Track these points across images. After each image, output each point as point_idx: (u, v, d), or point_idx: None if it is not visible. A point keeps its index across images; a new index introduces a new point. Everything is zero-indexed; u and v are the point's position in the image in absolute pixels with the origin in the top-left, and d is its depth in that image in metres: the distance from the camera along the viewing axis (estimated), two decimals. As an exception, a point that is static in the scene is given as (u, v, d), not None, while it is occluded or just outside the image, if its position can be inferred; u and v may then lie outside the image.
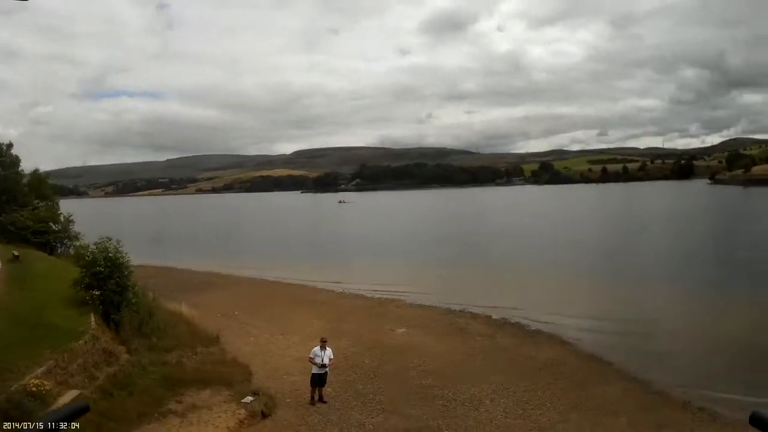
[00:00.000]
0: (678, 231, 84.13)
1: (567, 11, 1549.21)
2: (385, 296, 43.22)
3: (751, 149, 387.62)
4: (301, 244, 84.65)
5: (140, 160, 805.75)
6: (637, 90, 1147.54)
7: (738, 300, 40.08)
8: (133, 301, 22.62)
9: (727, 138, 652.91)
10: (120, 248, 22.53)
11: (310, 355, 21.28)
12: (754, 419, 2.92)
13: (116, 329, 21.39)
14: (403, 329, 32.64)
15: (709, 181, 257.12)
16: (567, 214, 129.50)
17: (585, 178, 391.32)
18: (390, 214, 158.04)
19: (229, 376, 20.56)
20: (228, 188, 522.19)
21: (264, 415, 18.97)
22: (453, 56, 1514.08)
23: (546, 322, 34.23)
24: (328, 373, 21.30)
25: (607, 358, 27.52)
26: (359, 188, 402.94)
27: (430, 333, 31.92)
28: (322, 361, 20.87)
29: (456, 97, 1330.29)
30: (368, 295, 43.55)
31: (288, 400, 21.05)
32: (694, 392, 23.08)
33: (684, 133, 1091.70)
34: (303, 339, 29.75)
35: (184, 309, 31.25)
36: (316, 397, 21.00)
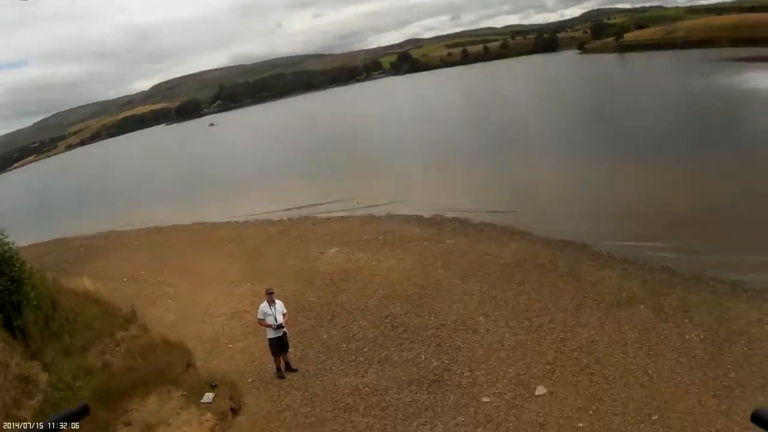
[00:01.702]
0: (566, 100, 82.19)
1: None
2: (294, 215, 39.20)
3: (615, 18, 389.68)
4: (187, 180, 76.46)
5: (10, 131, 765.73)
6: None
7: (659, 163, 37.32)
8: (32, 295, 17.87)
9: (588, 9, 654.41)
10: (5, 239, 17.60)
11: (259, 317, 16.63)
12: (756, 418, 2.66)
13: (23, 337, 16.72)
14: (334, 249, 28.60)
15: (578, 51, 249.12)
16: (441, 100, 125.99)
17: (445, 63, 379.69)
18: (260, 128, 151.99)
19: (168, 367, 15.96)
20: (96, 137, 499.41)
21: (234, 412, 14.68)
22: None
23: (486, 212, 31.10)
24: (287, 332, 16.98)
25: (577, 240, 24.42)
26: (222, 109, 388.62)
27: (365, 248, 28.02)
28: (276, 321, 16.31)
29: (302, 2, 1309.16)
30: (276, 218, 39.29)
31: (250, 380, 16.66)
32: (690, 262, 20.61)
33: (540, 9, 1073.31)
34: (228, 287, 25.62)
35: (88, 284, 26.49)
36: (283, 368, 16.67)
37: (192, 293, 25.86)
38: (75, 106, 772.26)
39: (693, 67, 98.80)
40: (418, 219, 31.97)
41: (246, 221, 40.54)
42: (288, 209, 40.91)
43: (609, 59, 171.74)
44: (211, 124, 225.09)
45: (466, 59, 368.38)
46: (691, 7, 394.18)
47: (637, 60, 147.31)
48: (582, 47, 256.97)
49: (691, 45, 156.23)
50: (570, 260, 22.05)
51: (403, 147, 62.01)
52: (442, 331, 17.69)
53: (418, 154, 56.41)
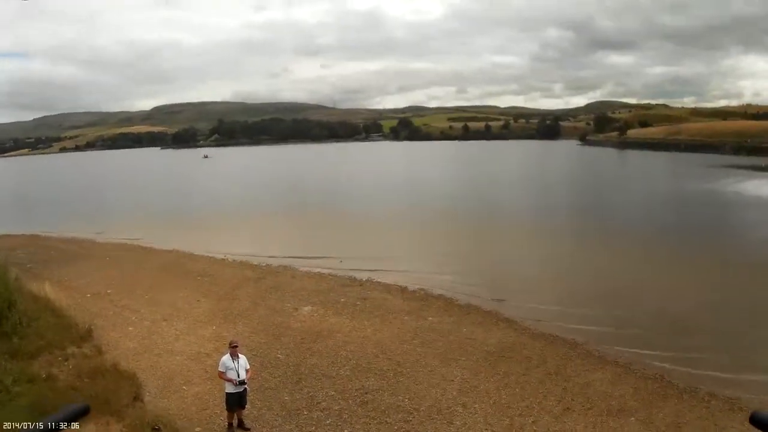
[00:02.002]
0: (564, 189, 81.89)
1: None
2: (274, 262, 37.76)
3: (619, 113, 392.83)
4: (173, 206, 75.28)
5: (9, 120, 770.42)
6: (496, 47, 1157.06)
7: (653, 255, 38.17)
8: (-12, 288, 16.60)
9: (593, 100, 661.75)
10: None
11: (220, 369, 14.97)
12: (755, 420, 2.64)
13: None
14: (309, 307, 27.07)
15: (579, 143, 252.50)
16: (441, 171, 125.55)
17: (445, 135, 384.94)
18: (254, 170, 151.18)
19: (114, 396, 14.57)
20: (90, 146, 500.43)
21: (171, 463, 13.20)
22: (310, 12, 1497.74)
23: (474, 294, 29.80)
24: (248, 388, 15.41)
25: (567, 336, 23.13)
26: (218, 144, 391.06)
27: (342, 311, 26.49)
28: (238, 376, 14.71)
29: (311, 51, 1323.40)
30: (255, 262, 37.83)
31: (198, 429, 15.17)
32: (685, 373, 19.64)
33: (547, 93, 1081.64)
34: (191, 326, 24.18)
35: (49, 291, 25.08)
36: (236, 424, 15.09)
37: (155, 324, 24.52)
38: (75, 111, 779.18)
39: (696, 171, 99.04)
40: (402, 290, 30.46)
41: (224, 258, 39.35)
42: (270, 256, 39.46)
43: (609, 153, 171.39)
44: (206, 156, 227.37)
45: (467, 135, 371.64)
46: (696, 109, 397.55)
47: (637, 158, 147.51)
48: (584, 138, 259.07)
49: (693, 148, 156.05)
50: (559, 357, 20.73)
51: (400, 213, 60.81)
52: (413, 416, 16.20)
53: (414, 222, 55.27)
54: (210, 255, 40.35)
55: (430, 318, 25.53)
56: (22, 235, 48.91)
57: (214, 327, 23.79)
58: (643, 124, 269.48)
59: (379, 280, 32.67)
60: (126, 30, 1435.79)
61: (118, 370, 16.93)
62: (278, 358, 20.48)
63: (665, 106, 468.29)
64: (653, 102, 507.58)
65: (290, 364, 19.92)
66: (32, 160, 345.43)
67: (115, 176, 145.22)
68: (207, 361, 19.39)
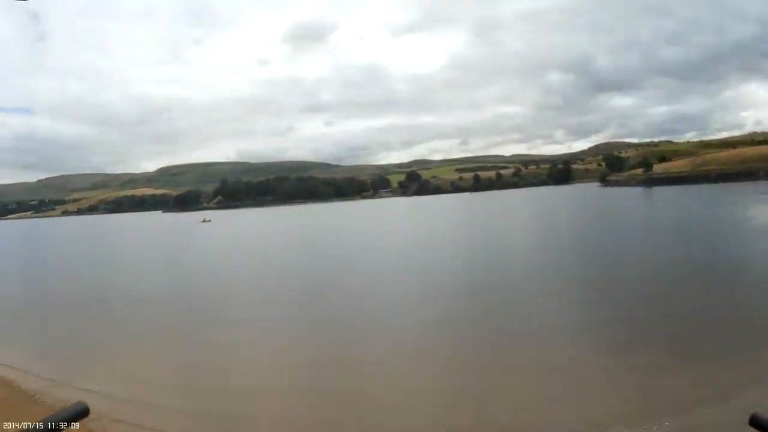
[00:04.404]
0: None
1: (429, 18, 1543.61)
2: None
3: (626, 152, 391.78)
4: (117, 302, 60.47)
5: (13, 181, 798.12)
6: (499, 97, 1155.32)
7: None
8: None
9: (596, 143, 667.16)
10: None
11: None
12: (754, 421, 2.60)
13: None
14: None
15: (599, 184, 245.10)
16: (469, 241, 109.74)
17: (456, 187, 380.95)
18: (251, 239, 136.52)
19: None
20: (93, 209, 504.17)
21: None
22: (313, 67, 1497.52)
23: None
24: None
25: None
26: (221, 206, 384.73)
27: None
28: None
29: (315, 108, 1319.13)
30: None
31: None
32: None
33: (549, 140, 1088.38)
34: None
35: None
36: None
37: None
38: (78, 173, 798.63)
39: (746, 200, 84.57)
40: None
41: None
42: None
43: (639, 194, 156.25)
44: (204, 220, 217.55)
45: (478, 185, 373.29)
46: (702, 141, 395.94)
47: (673, 194, 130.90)
48: (604, 179, 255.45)
49: (725, 178, 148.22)
50: None
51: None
52: None
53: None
54: None
55: None
56: None
57: None
58: (662, 159, 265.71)
59: None
60: (131, 87, 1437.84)
61: None
62: None
63: (670, 142, 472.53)
64: (657, 140, 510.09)
65: None
66: (33, 224, 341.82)
67: (93, 251, 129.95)
68: None
